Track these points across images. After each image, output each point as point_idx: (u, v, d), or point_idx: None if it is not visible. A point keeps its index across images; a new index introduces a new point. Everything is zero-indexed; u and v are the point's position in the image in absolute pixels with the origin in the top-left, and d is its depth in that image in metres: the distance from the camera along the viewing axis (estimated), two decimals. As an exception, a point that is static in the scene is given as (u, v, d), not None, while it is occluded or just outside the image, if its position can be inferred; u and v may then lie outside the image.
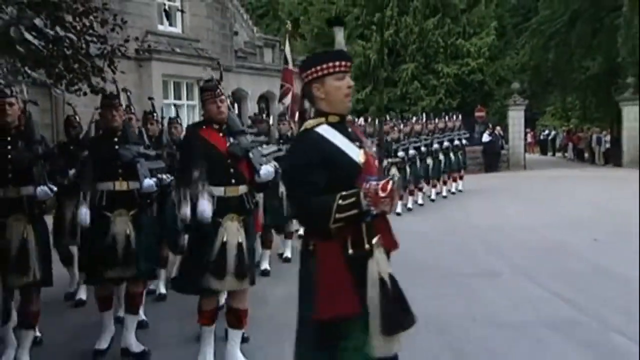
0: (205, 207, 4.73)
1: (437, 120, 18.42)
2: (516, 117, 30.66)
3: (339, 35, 3.68)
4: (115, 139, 5.32)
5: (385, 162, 14.07)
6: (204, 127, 5.06)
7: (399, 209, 14.19)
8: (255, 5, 30.59)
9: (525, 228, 13.12)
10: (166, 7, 19.59)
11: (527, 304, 8.03)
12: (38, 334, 5.44)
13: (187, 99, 20.23)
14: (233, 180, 4.92)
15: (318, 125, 3.26)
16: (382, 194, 2.93)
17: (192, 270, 4.95)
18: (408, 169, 15.13)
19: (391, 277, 3.22)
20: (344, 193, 3.07)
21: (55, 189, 5.07)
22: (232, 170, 4.87)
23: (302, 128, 3.47)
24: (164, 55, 18.67)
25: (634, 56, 27.98)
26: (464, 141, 19.47)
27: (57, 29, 6.09)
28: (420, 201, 16.30)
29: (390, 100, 28.78)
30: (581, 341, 6.50)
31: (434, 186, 17.56)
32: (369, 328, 3.05)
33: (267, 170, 5.06)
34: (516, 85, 30.62)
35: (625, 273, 9.22)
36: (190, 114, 19.86)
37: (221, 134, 4.94)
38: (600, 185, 21.58)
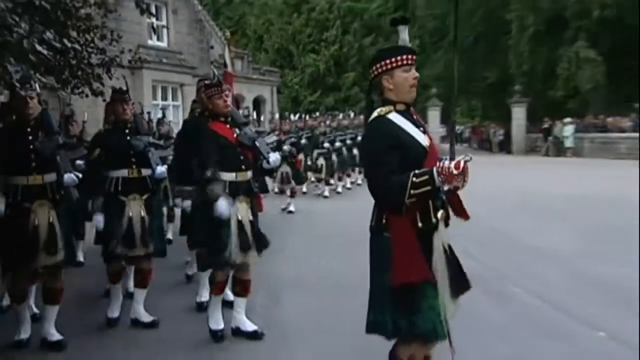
0: (224, 208, 4.47)
1: (362, 116, 17.39)
2: (434, 116, 31.35)
3: (404, 33, 3.33)
4: (127, 131, 4.95)
5: (315, 153, 13.78)
6: (211, 120, 4.75)
7: (326, 192, 14.09)
8: (227, 25, 30.41)
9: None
10: (154, 26, 19.05)
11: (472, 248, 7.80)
12: (36, 310, 5.04)
13: (172, 100, 20.13)
14: (243, 167, 4.68)
15: (389, 112, 3.08)
16: (455, 172, 2.82)
17: (213, 248, 4.61)
18: (335, 158, 14.43)
19: (450, 247, 3.13)
20: (417, 171, 2.93)
21: (80, 176, 4.60)
22: (241, 157, 4.62)
23: (375, 115, 3.17)
24: (152, 65, 18.54)
25: (520, 69, 29.32)
26: None
27: (65, 42, 6.12)
28: (348, 185, 15.66)
29: (336, 101, 28.79)
30: (483, 290, 6.21)
31: (361, 172, 16.12)
32: (439, 291, 2.99)
33: (276, 157, 4.88)
34: (434, 91, 31.09)
35: (518, 236, 9.42)
36: (175, 112, 19.65)
37: (228, 126, 4.70)
38: (498, 168, 21.69)
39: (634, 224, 9.33)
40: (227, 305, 5.16)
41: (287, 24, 30.70)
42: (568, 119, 27.05)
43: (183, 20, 21.20)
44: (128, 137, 4.81)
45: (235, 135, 4.57)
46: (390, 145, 2.97)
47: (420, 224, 2.97)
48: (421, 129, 3.11)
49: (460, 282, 3.08)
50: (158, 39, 19.93)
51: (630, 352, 4.75)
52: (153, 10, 17.87)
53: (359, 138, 15.97)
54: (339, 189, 14.83)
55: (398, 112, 3.01)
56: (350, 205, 12.48)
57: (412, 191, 2.83)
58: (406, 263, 2.95)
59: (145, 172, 4.91)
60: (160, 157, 5.13)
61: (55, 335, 4.23)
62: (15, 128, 4.22)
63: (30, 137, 4.04)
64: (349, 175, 15.87)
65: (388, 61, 3.05)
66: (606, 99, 28.66)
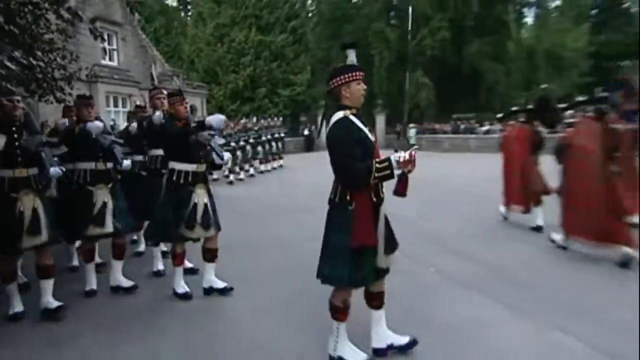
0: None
1: (263, 120, 17.52)
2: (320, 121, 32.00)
3: (352, 55, 3.17)
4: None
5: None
6: (175, 121, 4.38)
7: (231, 178, 13.59)
8: (165, 50, 29.79)
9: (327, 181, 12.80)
10: (106, 48, 19.13)
11: None
12: (25, 279, 4.61)
13: (122, 108, 19.50)
14: (202, 160, 4.33)
15: (349, 115, 2.99)
16: (409, 159, 2.83)
17: (166, 223, 4.26)
18: (240, 154, 14.13)
19: (386, 216, 3.09)
20: (377, 160, 2.93)
21: (64, 169, 4.16)
22: (201, 153, 4.28)
23: (341, 116, 3.01)
24: (105, 79, 18.28)
25: (380, 89, 30.26)
26: (282, 134, 18.09)
27: (31, 60, 5.83)
28: (251, 172, 15.11)
29: (250, 110, 28.51)
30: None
31: (262, 163, 16.04)
32: (378, 250, 2.97)
33: (228, 156, 4.59)
34: (322, 102, 31.34)
35: (399, 213, 9.37)
36: (124, 117, 18.05)
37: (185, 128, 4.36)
38: None
39: (450, 197, 10.18)
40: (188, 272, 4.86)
41: (213, 51, 30.24)
42: (412, 125, 28.41)
43: (130, 46, 20.90)
44: (94, 136, 4.33)
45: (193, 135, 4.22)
46: (355, 139, 2.95)
47: (374, 199, 3.00)
48: (367, 127, 3.08)
49: (392, 243, 3.12)
50: (110, 59, 19.54)
51: (446, 280, 4.97)
52: (105, 37, 17.43)
53: (267, 137, 16.11)
54: (242, 176, 14.29)
55: (353, 115, 2.96)
56: (254, 189, 12.60)
57: (376, 174, 2.85)
58: (363, 230, 2.94)
59: (109, 165, 4.53)
60: (124, 153, 4.79)
61: (55, 303, 3.92)
62: (2, 128, 3.76)
63: (15, 136, 3.71)
64: (251, 166, 15.22)
65: (346, 76, 3.00)
66: (435, 111, 30.14)
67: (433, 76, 28.49)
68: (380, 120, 30.09)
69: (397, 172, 2.82)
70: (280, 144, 17.74)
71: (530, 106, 6.73)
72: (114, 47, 20.19)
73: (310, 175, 14.51)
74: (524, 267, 5.28)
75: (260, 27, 30.36)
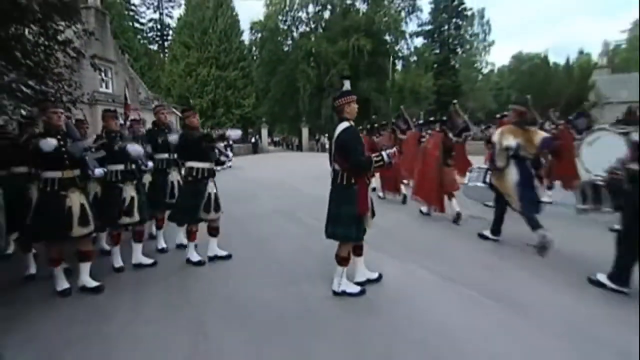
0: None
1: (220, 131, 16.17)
2: (264, 132, 30.91)
3: (347, 83, 3.19)
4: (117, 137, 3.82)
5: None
6: (191, 130, 3.98)
7: None
8: (147, 81, 28.26)
9: (272, 177, 12.08)
10: (103, 78, 18.11)
11: (277, 200, 7.55)
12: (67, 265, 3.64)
13: None
14: (213, 160, 4.04)
15: (352, 124, 3.00)
16: (393, 153, 2.95)
17: (189, 209, 3.88)
18: None
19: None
20: (374, 154, 2.98)
21: (105, 170, 3.76)
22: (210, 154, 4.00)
23: (348, 125, 2.98)
24: (103, 102, 16.91)
25: (305, 110, 29.60)
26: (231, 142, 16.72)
27: (42, 86, 5.47)
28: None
29: (212, 124, 27.65)
30: (286, 218, 6.07)
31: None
32: (367, 216, 3.02)
33: (231, 155, 3.91)
34: (264, 119, 30.87)
35: (304, 189, 9.07)
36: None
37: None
38: (297, 157, 21.80)
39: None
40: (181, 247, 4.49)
41: (184, 82, 29.21)
42: (327, 134, 27.73)
43: (121, 77, 19.68)
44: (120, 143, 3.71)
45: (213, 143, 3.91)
46: (359, 140, 2.99)
47: (367, 181, 3.06)
48: (363, 132, 3.20)
49: (373, 211, 3.15)
50: (106, 87, 18.50)
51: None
52: (102, 70, 17.48)
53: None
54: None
55: (351, 124, 3.01)
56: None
57: (374, 165, 2.92)
58: (363, 202, 2.99)
59: (130, 166, 3.86)
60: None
61: (93, 283, 3.43)
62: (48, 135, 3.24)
63: (61, 142, 3.23)
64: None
65: (347, 98, 3.02)
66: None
67: None
68: (305, 132, 30.32)
69: (387, 161, 2.91)
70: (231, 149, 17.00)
71: (444, 117, 6.23)
72: (109, 77, 19.16)
73: (254, 172, 14.04)
74: (401, 229, 5.29)
75: (219, 66, 29.74)
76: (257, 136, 31.35)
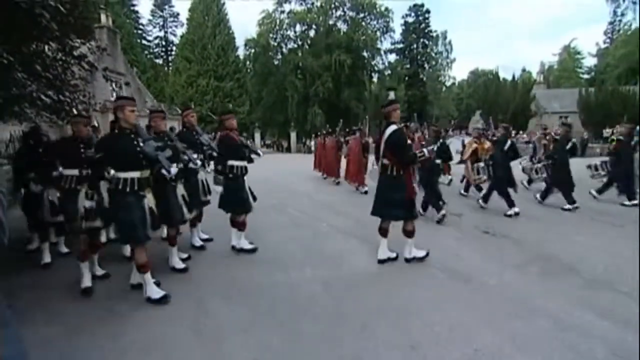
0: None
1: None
2: (257, 135, 30.72)
3: (393, 94, 3.25)
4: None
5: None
6: (232, 134, 3.74)
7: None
8: (153, 91, 27.79)
9: (264, 175, 11.11)
10: (114, 89, 17.28)
11: (268, 195, 6.37)
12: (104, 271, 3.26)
13: None
14: (247, 159, 3.81)
15: (398, 126, 3.10)
16: (431, 150, 3.22)
17: (240, 201, 3.68)
18: None
19: None
20: (417, 151, 3.21)
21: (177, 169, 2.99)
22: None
23: (397, 127, 3.08)
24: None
25: (293, 116, 28.95)
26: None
27: (60, 97, 5.30)
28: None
29: (211, 129, 25.62)
30: (277, 210, 5.83)
31: None
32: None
33: (262, 153, 4.01)
34: (257, 124, 30.79)
35: (291, 186, 8.56)
36: None
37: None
38: (286, 158, 21.45)
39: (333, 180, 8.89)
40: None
41: (186, 92, 28.77)
42: (314, 136, 28.32)
43: (130, 87, 18.34)
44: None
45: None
46: (406, 139, 3.19)
47: (412, 171, 3.31)
48: None
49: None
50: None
51: (332, 230, 4.64)
52: (113, 81, 16.90)
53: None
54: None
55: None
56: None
57: (418, 159, 3.16)
58: (411, 188, 3.16)
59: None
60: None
61: (158, 292, 2.77)
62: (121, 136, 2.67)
63: (135, 142, 2.63)
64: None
65: (394, 105, 3.16)
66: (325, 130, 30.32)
67: (324, 109, 28.34)
68: (293, 136, 30.12)
69: (427, 156, 3.12)
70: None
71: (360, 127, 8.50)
72: (120, 88, 18.26)
73: (250, 169, 13.50)
74: (375, 219, 5.09)
75: (217, 77, 29.43)
76: (251, 140, 30.85)
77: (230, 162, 3.70)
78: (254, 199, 3.83)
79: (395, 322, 2.44)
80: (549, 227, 4.68)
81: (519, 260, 3.49)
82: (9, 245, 1.22)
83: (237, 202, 3.72)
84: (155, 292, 2.75)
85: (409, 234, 3.32)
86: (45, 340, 2.28)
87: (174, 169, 2.85)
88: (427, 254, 3.41)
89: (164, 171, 2.78)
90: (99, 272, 3.24)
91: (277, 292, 2.91)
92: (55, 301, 2.83)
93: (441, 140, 4.85)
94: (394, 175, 3.12)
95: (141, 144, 2.69)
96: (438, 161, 5.18)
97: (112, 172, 2.61)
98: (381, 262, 3.39)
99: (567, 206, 5.62)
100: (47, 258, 3.62)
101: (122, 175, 2.64)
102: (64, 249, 3.94)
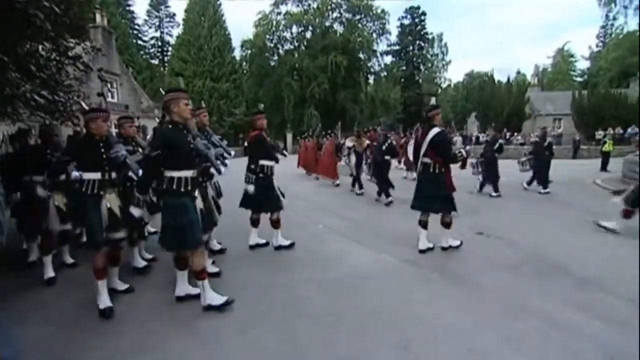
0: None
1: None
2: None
3: (433, 99, 3.48)
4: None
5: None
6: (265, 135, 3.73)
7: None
8: (149, 92, 27.76)
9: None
10: (109, 89, 17.38)
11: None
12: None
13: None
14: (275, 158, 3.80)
15: (441, 129, 3.25)
16: (468, 150, 3.46)
17: (263, 200, 3.68)
18: None
19: None
20: (455, 150, 3.40)
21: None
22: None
23: (438, 130, 3.24)
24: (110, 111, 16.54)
25: (289, 117, 28.81)
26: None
27: (54, 96, 5.26)
28: None
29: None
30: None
31: None
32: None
33: (286, 153, 3.93)
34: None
35: (294, 190, 7.89)
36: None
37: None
38: (288, 160, 20.03)
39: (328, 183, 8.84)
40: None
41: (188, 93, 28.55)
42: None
43: (126, 88, 19.24)
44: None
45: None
46: (448, 140, 3.37)
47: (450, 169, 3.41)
48: None
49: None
50: (112, 97, 17.81)
51: (328, 231, 4.64)
52: (108, 81, 17.01)
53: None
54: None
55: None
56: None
57: (458, 157, 3.37)
58: (450, 184, 3.33)
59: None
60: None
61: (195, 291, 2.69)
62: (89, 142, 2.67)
63: (188, 138, 2.49)
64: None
65: (437, 110, 3.35)
66: (320, 131, 30.42)
67: (320, 110, 28.41)
68: (289, 136, 29.93)
69: (465, 156, 3.35)
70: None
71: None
72: (115, 88, 18.55)
73: (243, 172, 12.71)
74: (370, 221, 5.27)
75: (213, 78, 29.02)
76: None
77: (262, 162, 3.68)
78: (283, 196, 3.84)
79: (389, 322, 2.44)
80: (542, 228, 4.74)
81: (513, 261, 3.51)
82: (6, 245, 1.25)
83: (268, 201, 3.71)
84: (217, 299, 2.53)
85: (447, 225, 3.52)
86: (42, 340, 2.28)
87: (223, 168, 2.69)
88: (461, 243, 3.67)
89: (212, 170, 2.61)
90: (121, 286, 2.85)
91: (274, 293, 2.92)
92: (53, 301, 2.84)
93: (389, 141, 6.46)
94: (435, 172, 3.29)
95: (192, 141, 2.47)
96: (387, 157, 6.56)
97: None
98: (422, 252, 3.59)
99: (494, 193, 7.01)
100: (50, 272, 3.19)
101: (176, 174, 2.34)
102: (69, 260, 3.57)
